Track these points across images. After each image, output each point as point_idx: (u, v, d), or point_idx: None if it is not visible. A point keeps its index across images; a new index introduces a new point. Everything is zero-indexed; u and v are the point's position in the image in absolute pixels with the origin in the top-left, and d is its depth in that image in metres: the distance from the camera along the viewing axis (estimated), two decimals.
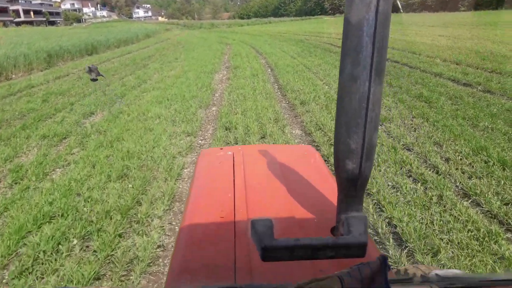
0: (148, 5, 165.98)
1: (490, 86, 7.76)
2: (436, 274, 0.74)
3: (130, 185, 3.90)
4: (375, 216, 3.16)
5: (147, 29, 37.07)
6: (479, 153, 4.33)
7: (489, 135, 4.96)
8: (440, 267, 2.57)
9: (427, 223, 3.03)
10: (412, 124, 5.59)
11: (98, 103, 7.53)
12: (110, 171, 4.17)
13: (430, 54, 12.96)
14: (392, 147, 4.60)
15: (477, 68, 9.93)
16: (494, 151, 4.33)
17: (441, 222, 3.03)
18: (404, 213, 3.14)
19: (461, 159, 4.25)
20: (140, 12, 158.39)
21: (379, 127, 5.69)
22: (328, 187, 1.24)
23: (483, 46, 14.45)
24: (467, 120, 5.58)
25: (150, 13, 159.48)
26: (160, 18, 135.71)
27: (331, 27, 33.82)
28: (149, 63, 14.26)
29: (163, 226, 3.22)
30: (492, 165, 4.00)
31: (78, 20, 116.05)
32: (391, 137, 5.08)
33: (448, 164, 4.12)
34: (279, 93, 8.37)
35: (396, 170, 4.02)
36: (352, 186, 0.78)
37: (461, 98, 6.90)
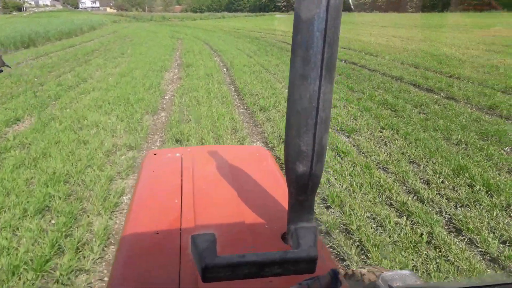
0: None
1: (453, 92, 7.53)
2: (389, 286, 0.73)
3: (53, 221, 3.09)
4: (360, 265, 2.58)
5: (93, 20, 34.99)
6: (461, 174, 3.90)
7: (465, 151, 4.57)
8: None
9: (423, 275, 2.49)
10: (382, 136, 5.12)
11: (27, 106, 6.50)
12: (28, 202, 3.32)
13: (387, 56, 12.80)
14: (365, 166, 4.08)
15: (436, 72, 9.79)
16: (476, 171, 3.92)
17: (440, 273, 2.51)
18: (395, 260, 2.59)
19: (442, 181, 3.80)
20: (87, 2, 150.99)
21: (347, 139, 5.21)
22: (280, 190, 1.18)
23: (437, 49, 14.55)
24: (439, 133, 5.19)
25: (98, 4, 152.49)
26: (108, 9, 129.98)
27: (282, 25, 33.52)
28: (92, 58, 13.07)
29: (91, 286, 2.47)
30: (478, 191, 3.57)
31: (19, 9, 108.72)
32: (362, 153, 4.57)
33: (430, 189, 3.65)
34: (236, 96, 7.70)
35: (374, 197, 3.48)
36: (303, 189, 0.78)
37: (427, 106, 6.57)
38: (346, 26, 27.90)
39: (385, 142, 4.94)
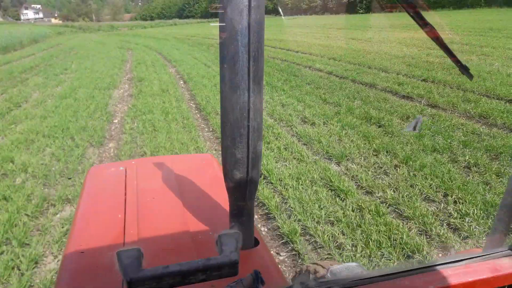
0: (39, 6, 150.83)
1: (435, 99, 6.91)
2: (314, 278, 0.83)
3: None
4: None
5: (35, 32, 32.57)
6: (493, 215, 3.13)
7: (481, 177, 3.83)
8: None
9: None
10: (379, 163, 4.30)
11: None
12: None
13: (351, 60, 12.21)
14: (375, 211, 3.21)
15: (408, 77, 9.24)
16: None
17: None
18: None
19: (475, 227, 2.99)
20: (29, 14, 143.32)
21: (338, 168, 4.36)
22: (224, 196, 1.07)
23: (399, 50, 14.23)
24: (442, 153, 4.45)
25: (41, 15, 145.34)
26: (53, 20, 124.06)
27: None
28: (29, 76, 11.54)
29: None
30: None
31: None
32: (362, 188, 3.72)
33: (465, 242, 2.84)
34: (199, 116, 6.70)
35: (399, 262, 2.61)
36: (242, 195, 0.86)
37: (415, 118, 5.87)
38: (302, 30, 27.48)
39: (384, 170, 4.12)
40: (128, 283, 0.53)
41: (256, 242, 1.05)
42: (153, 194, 1.32)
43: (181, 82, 10.12)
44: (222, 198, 1.21)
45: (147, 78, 10.45)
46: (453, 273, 0.82)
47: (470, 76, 0.94)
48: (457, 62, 0.86)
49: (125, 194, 1.31)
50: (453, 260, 0.86)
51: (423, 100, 7.00)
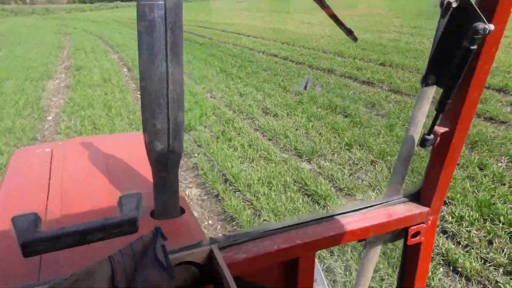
0: None
1: (397, 84, 6.66)
2: (224, 234, 1.11)
3: None
4: None
5: None
6: (491, 218, 2.81)
7: (467, 172, 3.52)
8: None
9: None
10: (353, 159, 3.90)
11: None
12: None
13: (305, 45, 11.83)
14: None
15: (365, 61, 8.99)
16: (505, 208, 2.85)
17: None
18: None
19: (468, 230, 2.65)
20: None
21: (310, 166, 3.92)
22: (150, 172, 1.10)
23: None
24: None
25: None
26: None
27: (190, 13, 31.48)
28: None
29: None
30: None
31: None
32: (341, 190, 3.29)
33: (466, 249, 2.48)
34: None
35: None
36: (163, 166, 0.86)
37: (381, 105, 5.55)
38: (255, 13, 26.77)
39: (361, 167, 3.72)
40: (22, 245, 0.52)
41: (182, 211, 1.05)
42: (79, 173, 1.31)
43: (125, 70, 9.26)
44: (148, 172, 1.18)
45: (86, 66, 9.47)
46: (353, 220, 0.90)
47: (355, 39, 1.01)
48: (342, 26, 0.96)
49: (50, 174, 1.28)
50: (353, 209, 0.93)
51: (385, 85, 6.73)
